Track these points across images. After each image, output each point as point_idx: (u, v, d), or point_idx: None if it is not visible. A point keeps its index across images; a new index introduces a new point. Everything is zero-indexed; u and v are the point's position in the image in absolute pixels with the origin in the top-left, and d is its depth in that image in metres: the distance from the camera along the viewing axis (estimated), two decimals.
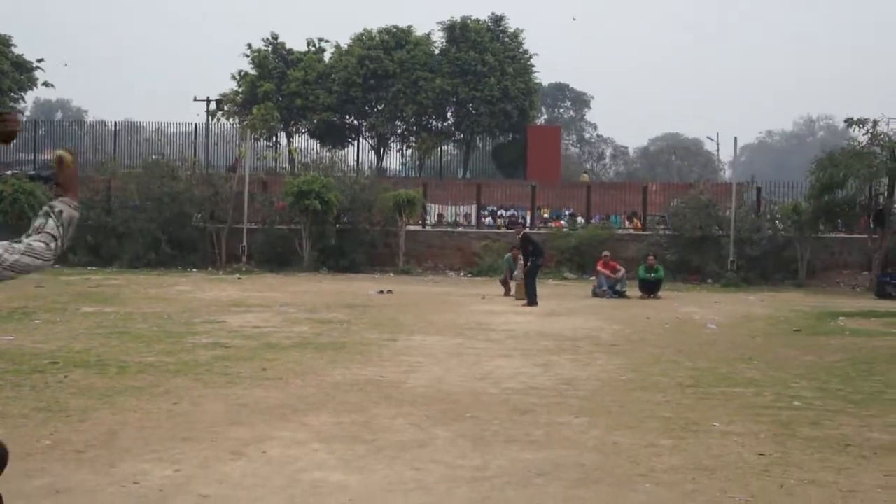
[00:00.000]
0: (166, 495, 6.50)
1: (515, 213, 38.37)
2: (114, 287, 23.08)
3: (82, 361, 11.80)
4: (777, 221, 31.93)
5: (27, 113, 60.24)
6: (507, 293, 23.73)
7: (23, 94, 50.96)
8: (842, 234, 32.38)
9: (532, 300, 20.82)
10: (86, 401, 9.49)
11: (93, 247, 31.89)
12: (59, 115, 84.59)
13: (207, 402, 9.66)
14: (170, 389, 10.23)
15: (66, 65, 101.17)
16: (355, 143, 51.68)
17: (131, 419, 8.78)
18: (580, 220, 36.33)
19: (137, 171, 34.77)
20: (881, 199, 29.90)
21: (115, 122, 47.78)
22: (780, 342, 15.46)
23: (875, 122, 29.56)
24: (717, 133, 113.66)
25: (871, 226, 30.13)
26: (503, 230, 35.02)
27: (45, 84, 52.22)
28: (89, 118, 66.62)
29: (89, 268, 30.05)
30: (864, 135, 29.98)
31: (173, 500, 6.39)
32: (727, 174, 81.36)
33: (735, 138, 33.92)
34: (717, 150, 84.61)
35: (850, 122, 30.48)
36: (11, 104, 48.80)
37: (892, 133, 29.38)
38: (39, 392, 9.89)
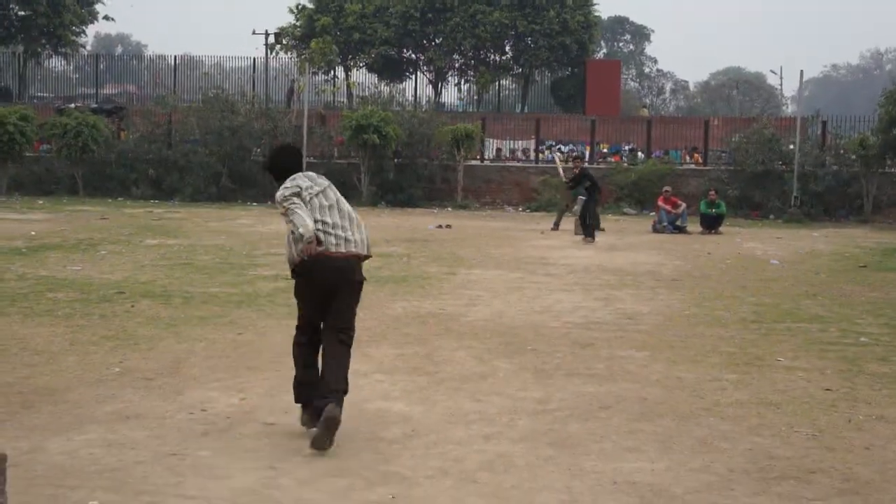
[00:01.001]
0: (233, 422, 6.61)
1: (574, 147, 38.04)
2: (176, 220, 23.35)
3: (148, 292, 11.98)
4: (842, 156, 31.26)
5: (88, 47, 60.69)
6: (555, 227, 23.60)
7: (84, 27, 51.34)
8: None
9: (590, 234, 20.67)
10: (152, 330, 9.65)
11: (154, 180, 32.23)
12: (119, 50, 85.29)
13: (271, 332, 9.77)
14: (234, 320, 10.36)
15: (132, 5, 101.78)
16: (413, 77, 51.42)
17: (197, 348, 8.91)
18: (641, 154, 35.92)
19: (197, 105, 34.95)
20: None
21: (175, 57, 47.99)
22: (846, 278, 15.22)
23: None
24: (781, 67, 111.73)
25: None
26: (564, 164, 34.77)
27: (106, 17, 52.59)
28: (149, 52, 67.03)
29: (151, 201, 30.41)
30: None
31: (240, 428, 6.49)
32: (790, 109, 79.90)
33: (801, 72, 33.19)
34: (781, 85, 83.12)
35: None
36: (73, 38, 49.23)
37: None
38: (108, 321, 10.07)
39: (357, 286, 6.55)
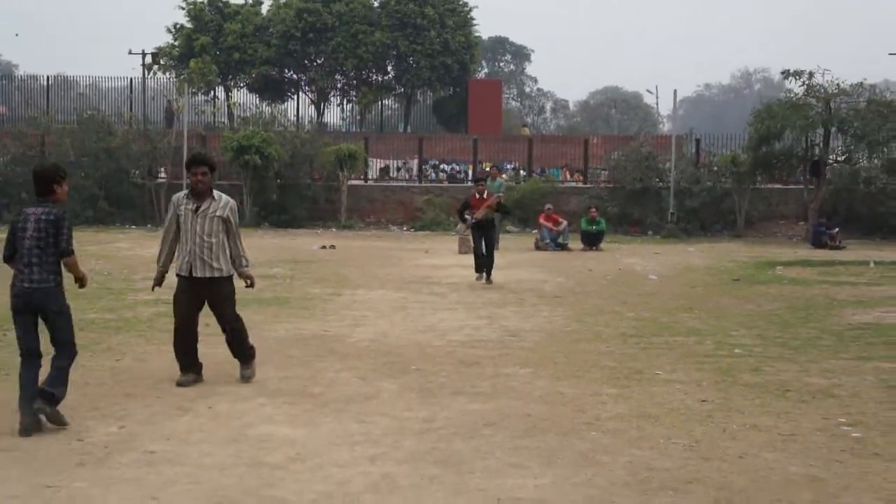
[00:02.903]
0: (111, 451, 6.45)
1: (456, 166, 38.33)
2: None
3: None
4: (716, 173, 32.24)
5: None
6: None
7: None
8: (778, 186, 32.83)
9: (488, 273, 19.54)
10: None
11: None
12: None
13: (151, 358, 9.58)
14: (112, 346, 10.12)
15: (17, 35, 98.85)
16: (295, 97, 51.07)
17: (73, 376, 8.63)
18: (522, 173, 36.38)
19: (72, 126, 34.06)
20: (817, 151, 30.30)
21: (48, 77, 46.70)
22: (720, 291, 15.69)
23: (811, 74, 29.83)
24: (657, 86, 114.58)
25: (807, 176, 30.55)
26: (445, 184, 34.99)
27: None
28: (20, 72, 65.02)
29: None
30: (800, 86, 30.24)
31: (119, 457, 6.33)
32: (666, 127, 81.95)
33: (675, 91, 34.23)
34: (657, 104, 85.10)
35: (786, 73, 30.71)
36: None
37: (827, 85, 29.68)
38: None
39: None
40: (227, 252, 8.40)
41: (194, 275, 8.34)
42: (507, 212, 20.03)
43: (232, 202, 8.43)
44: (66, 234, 6.96)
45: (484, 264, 16.32)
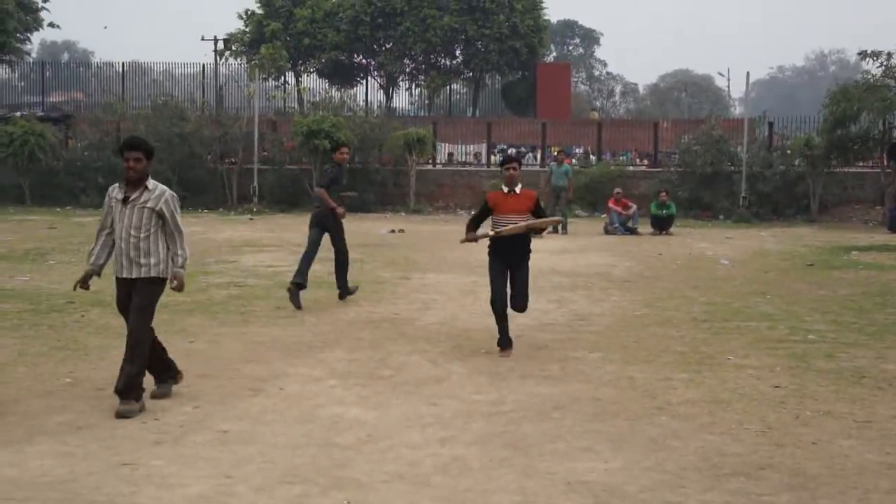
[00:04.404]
0: (186, 431, 6.57)
1: (524, 150, 38.27)
2: None
3: (98, 301, 11.83)
4: (789, 156, 31.68)
5: (33, 54, 59.89)
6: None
7: (28, 35, 50.60)
8: (854, 169, 32.15)
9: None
10: (103, 339, 9.57)
11: (103, 188, 31.79)
12: (65, 57, 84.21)
13: (224, 340, 9.72)
14: (186, 328, 10.29)
15: (105, 27, 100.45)
16: (364, 82, 51.36)
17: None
18: (592, 157, 36.16)
19: (146, 112, 34.62)
20: (895, 133, 29.62)
21: (123, 64, 47.53)
22: (794, 277, 15.44)
23: (889, 55, 29.11)
24: (728, 69, 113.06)
25: (885, 160, 29.89)
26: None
27: (52, 25, 51.87)
28: (96, 60, 66.25)
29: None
30: (877, 68, 29.56)
31: (194, 436, 6.45)
32: (738, 110, 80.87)
33: (747, 73, 33.67)
34: (728, 86, 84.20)
35: (863, 54, 30.02)
36: (17, 45, 48.53)
37: None
38: (58, 331, 9.97)
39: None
40: (162, 250, 7.27)
41: (122, 275, 7.28)
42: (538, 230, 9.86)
43: (169, 193, 7.29)
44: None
45: (504, 318, 9.25)
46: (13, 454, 6.00)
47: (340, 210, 12.48)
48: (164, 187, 7.33)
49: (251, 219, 27.63)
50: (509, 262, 9.20)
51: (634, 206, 24.79)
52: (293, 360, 8.81)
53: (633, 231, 24.15)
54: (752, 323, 10.96)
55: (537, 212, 9.22)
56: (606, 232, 24.27)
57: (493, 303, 9.23)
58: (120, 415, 6.83)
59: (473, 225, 9.46)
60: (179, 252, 7.32)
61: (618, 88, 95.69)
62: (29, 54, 54.45)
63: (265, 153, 32.98)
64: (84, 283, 7.52)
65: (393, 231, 23.64)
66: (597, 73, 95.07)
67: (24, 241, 19.04)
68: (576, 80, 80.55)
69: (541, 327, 10.65)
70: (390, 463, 5.96)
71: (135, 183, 7.20)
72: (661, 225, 24.53)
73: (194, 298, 12.34)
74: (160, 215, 7.19)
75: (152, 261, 7.20)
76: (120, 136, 33.21)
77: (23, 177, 31.66)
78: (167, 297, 12.26)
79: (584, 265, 16.83)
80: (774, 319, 11.19)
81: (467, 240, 9.50)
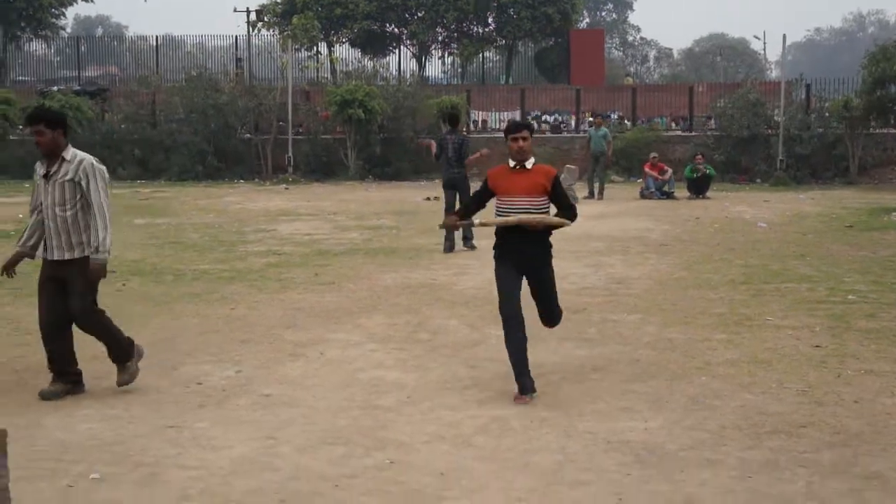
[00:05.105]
0: (229, 394, 6.66)
1: (559, 117, 38.12)
2: (163, 199, 23.30)
3: (138, 270, 12.00)
4: (827, 118, 31.29)
5: (68, 29, 60.25)
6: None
7: (63, 9, 50.95)
8: (894, 130, 31.69)
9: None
10: (145, 307, 9.68)
11: (140, 161, 32.12)
12: (99, 31, 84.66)
13: (263, 306, 9.81)
14: (226, 295, 10.39)
15: (145, 1, 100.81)
16: (396, 51, 51.26)
17: (190, 324, 8.95)
18: (627, 123, 35.93)
19: (180, 85, 34.77)
20: None
21: (156, 37, 47.73)
22: (833, 238, 15.30)
23: None
24: (764, 32, 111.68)
25: None
26: (548, 135, 34.73)
27: None
28: (129, 34, 66.61)
29: (138, 181, 30.30)
30: None
31: (237, 399, 6.54)
32: (774, 74, 79.89)
33: (784, 35, 33.16)
34: (764, 50, 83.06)
35: None
36: (53, 20, 48.88)
37: None
38: (99, 299, 10.05)
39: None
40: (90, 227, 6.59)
41: (52, 257, 6.59)
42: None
43: (88, 161, 6.57)
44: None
45: (520, 342, 6.70)
46: (62, 418, 6.11)
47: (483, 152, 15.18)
48: (85, 155, 6.63)
49: (286, 188, 27.73)
50: (523, 267, 6.81)
51: (670, 171, 24.62)
52: (332, 326, 8.87)
53: (669, 195, 24.00)
54: (790, 284, 10.90)
55: (555, 194, 6.79)
56: (643, 196, 24.14)
57: (501, 311, 6.75)
58: (121, 383, 6.70)
59: (465, 210, 7.29)
60: (97, 234, 6.51)
61: (652, 54, 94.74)
62: (64, 29, 54.90)
63: (300, 125, 33.08)
64: (12, 266, 6.87)
65: (428, 199, 23.64)
66: (630, 38, 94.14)
67: None
68: (609, 45, 79.89)
69: (578, 291, 10.65)
70: (431, 424, 6.01)
71: (50, 156, 6.58)
72: (698, 189, 24.36)
73: (233, 266, 12.46)
74: (79, 186, 6.53)
75: (84, 239, 6.56)
76: (155, 108, 33.46)
77: None
78: (208, 265, 12.47)
79: (620, 229, 16.76)
80: (813, 281, 11.12)
81: (446, 224, 7.66)
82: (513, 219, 6.65)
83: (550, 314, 7.13)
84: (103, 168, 6.65)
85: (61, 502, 4.77)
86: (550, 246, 6.91)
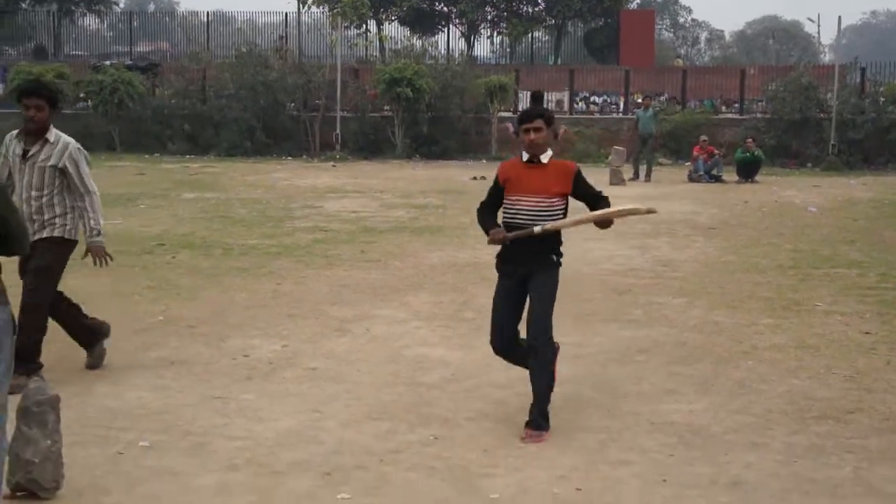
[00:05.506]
0: (276, 368, 6.73)
1: (608, 98, 37.86)
2: (212, 174, 23.48)
3: (188, 243, 12.13)
4: (882, 103, 30.77)
5: (121, 4, 60.80)
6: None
7: None
8: None
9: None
10: (194, 280, 9.80)
11: (190, 136, 32.35)
12: (151, 7, 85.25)
13: (310, 282, 9.88)
14: (273, 270, 10.47)
15: None
16: (445, 30, 51.08)
17: (238, 298, 9.04)
18: (677, 105, 35.58)
19: (231, 61, 34.95)
20: None
21: (207, 13, 47.95)
22: (884, 224, 15.10)
23: None
24: (818, 15, 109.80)
25: None
26: (596, 116, 34.53)
27: None
28: (181, 9, 67.06)
29: (187, 156, 30.54)
30: None
31: (283, 373, 6.61)
32: (828, 57, 78.66)
33: (839, 17, 32.69)
34: (818, 33, 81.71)
35: None
36: None
37: None
38: (150, 272, 10.23)
39: None
40: (68, 208, 6.43)
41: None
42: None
43: (74, 146, 6.37)
44: None
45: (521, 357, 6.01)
46: (112, 386, 6.22)
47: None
48: (68, 139, 6.39)
49: (334, 166, 27.82)
50: (524, 272, 5.96)
51: (719, 154, 24.40)
52: (378, 303, 8.92)
53: (718, 178, 23.78)
54: (840, 270, 10.78)
55: (580, 192, 5.92)
56: (691, 179, 23.94)
57: (491, 344, 5.98)
58: (94, 366, 6.60)
59: (489, 214, 6.14)
60: (91, 217, 6.46)
61: (703, 35, 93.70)
62: (117, 4, 55.39)
63: (348, 103, 33.15)
64: None
65: (475, 178, 23.61)
66: (681, 20, 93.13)
67: (115, 187, 19.43)
68: (659, 27, 79.03)
69: (624, 272, 10.61)
70: (475, 401, 6.04)
71: (35, 133, 6.28)
72: (747, 172, 24.10)
73: (280, 242, 12.55)
74: (63, 172, 6.31)
75: (57, 220, 6.34)
76: (205, 84, 33.68)
77: (113, 124, 32.24)
78: (255, 240, 12.57)
79: (667, 212, 16.59)
80: (864, 267, 10.98)
81: (495, 240, 5.99)
82: (587, 216, 5.88)
83: (540, 328, 5.84)
84: (85, 151, 6.50)
85: (112, 468, 4.86)
86: (560, 255, 6.06)
